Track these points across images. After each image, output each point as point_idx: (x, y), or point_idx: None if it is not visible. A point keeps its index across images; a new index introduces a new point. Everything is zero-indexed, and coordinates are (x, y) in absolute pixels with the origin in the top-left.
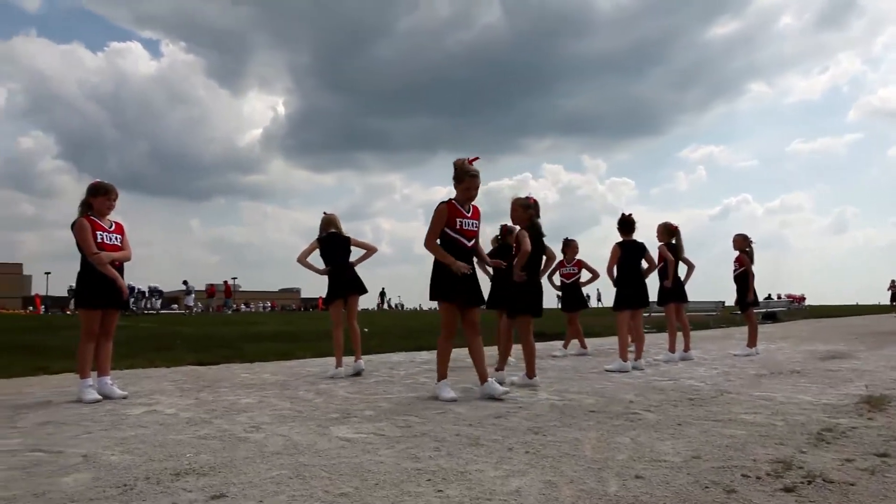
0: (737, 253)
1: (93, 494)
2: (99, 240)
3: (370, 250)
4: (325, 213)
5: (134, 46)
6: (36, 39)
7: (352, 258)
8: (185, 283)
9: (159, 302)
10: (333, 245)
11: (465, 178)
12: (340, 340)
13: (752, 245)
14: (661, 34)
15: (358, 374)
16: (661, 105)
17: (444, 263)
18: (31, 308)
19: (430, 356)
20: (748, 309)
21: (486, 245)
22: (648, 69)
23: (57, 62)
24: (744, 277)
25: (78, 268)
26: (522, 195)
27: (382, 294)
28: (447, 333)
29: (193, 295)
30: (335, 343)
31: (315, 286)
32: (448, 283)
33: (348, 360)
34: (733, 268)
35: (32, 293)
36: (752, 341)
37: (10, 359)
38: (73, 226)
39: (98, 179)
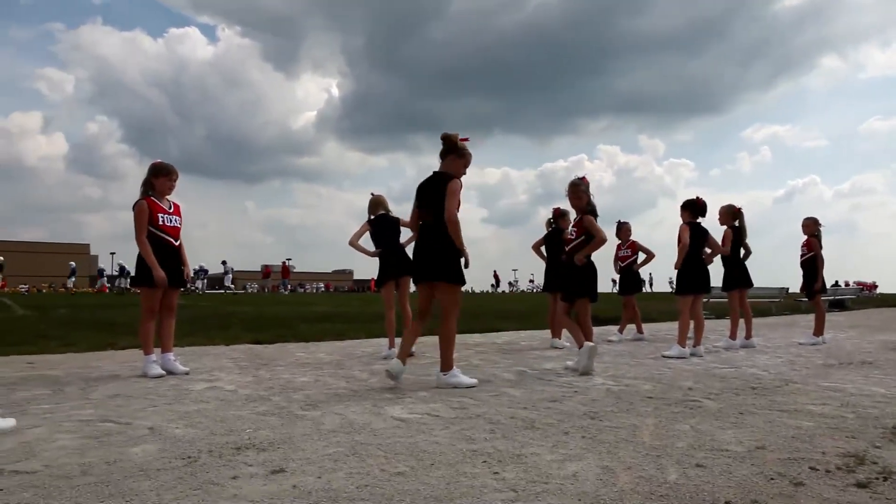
0: (805, 237)
1: (159, 465)
2: (160, 222)
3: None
4: (372, 193)
5: (192, 32)
6: (101, 27)
7: (402, 239)
8: (223, 263)
9: (204, 282)
10: (384, 226)
11: (466, 156)
12: (393, 322)
13: (822, 229)
14: (722, 8)
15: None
16: (723, 83)
17: (457, 244)
18: (96, 286)
19: (483, 339)
20: (816, 296)
21: (539, 228)
22: (709, 45)
23: (120, 49)
24: (812, 263)
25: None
26: (578, 176)
27: None
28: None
29: (231, 275)
30: (387, 325)
31: (367, 268)
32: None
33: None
34: (801, 252)
35: (97, 274)
36: (818, 329)
37: (80, 334)
38: (133, 206)
39: (159, 160)
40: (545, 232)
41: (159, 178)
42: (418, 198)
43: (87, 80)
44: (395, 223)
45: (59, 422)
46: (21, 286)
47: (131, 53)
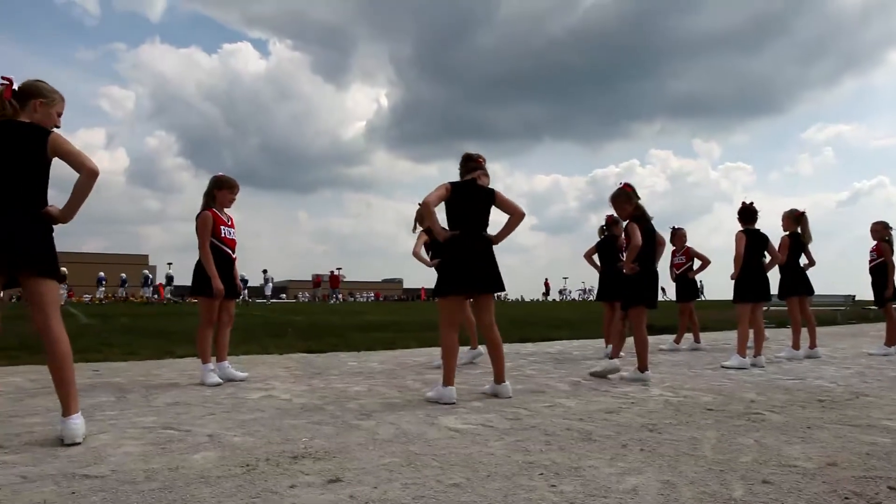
0: (875, 242)
1: (220, 472)
2: (223, 234)
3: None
4: (420, 204)
5: (244, 46)
6: (159, 45)
7: None
8: (264, 272)
9: (245, 293)
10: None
11: (478, 170)
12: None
13: (893, 233)
14: (782, 4)
15: (471, 362)
16: (783, 82)
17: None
18: (156, 296)
19: (536, 348)
20: (886, 304)
21: (590, 235)
22: (768, 43)
23: (176, 65)
24: (882, 268)
25: (197, 257)
26: (619, 184)
27: None
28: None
29: (271, 284)
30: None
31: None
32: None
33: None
34: (870, 258)
35: (157, 282)
36: (890, 339)
37: (140, 343)
38: (197, 217)
39: (221, 173)
40: (598, 240)
41: (221, 191)
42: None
43: (147, 97)
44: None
45: (124, 428)
46: (85, 296)
47: (187, 69)
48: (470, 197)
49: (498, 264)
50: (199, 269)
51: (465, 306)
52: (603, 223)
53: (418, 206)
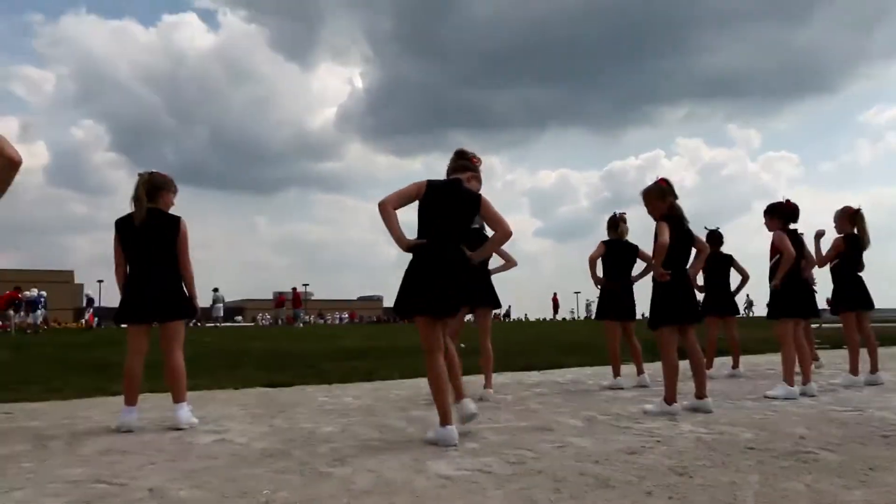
0: None
1: None
2: None
3: (510, 263)
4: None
5: (189, 18)
6: (85, 17)
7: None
8: (214, 290)
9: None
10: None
11: (469, 171)
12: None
13: None
14: None
15: (482, 399)
16: (836, 56)
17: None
18: (83, 321)
19: (542, 377)
20: None
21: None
22: (817, 9)
23: (106, 41)
24: None
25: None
26: (651, 179)
27: None
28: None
29: (221, 305)
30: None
31: None
32: None
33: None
34: None
35: (84, 304)
36: None
37: (65, 379)
38: (180, 223)
39: (155, 170)
40: (607, 238)
41: (168, 193)
42: None
43: (70, 79)
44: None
45: (44, 483)
46: None
47: (120, 46)
48: (449, 200)
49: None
50: (180, 288)
51: (435, 327)
52: (615, 213)
53: None
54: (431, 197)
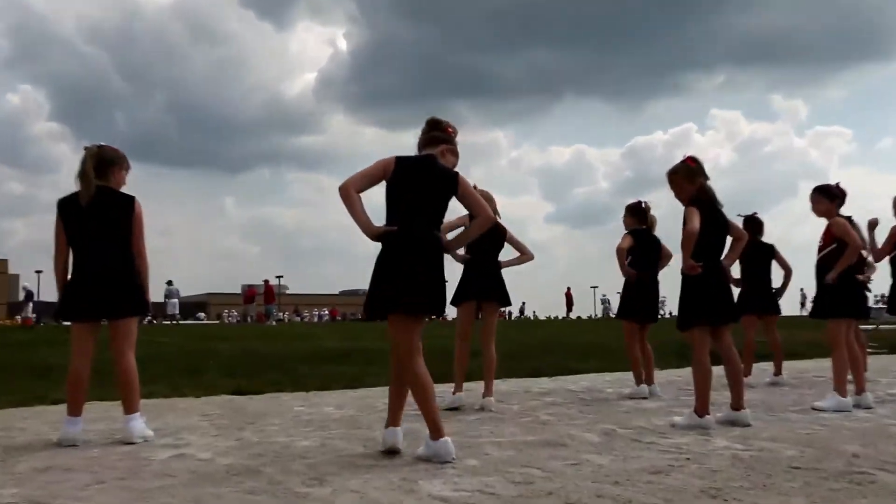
0: None
1: None
2: None
3: (526, 256)
4: (475, 187)
5: None
6: None
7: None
8: (168, 283)
9: None
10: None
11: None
12: (465, 358)
13: None
14: None
15: (482, 409)
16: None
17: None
18: (18, 317)
19: (553, 384)
20: None
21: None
22: None
23: None
24: None
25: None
26: (680, 157)
27: None
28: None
29: (177, 300)
30: (457, 359)
31: None
32: None
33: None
34: None
35: (22, 298)
36: None
37: None
38: (134, 204)
39: (104, 143)
40: (635, 228)
41: (120, 170)
42: None
43: (4, 36)
44: (501, 233)
45: None
46: None
47: None
48: (422, 179)
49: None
50: (132, 279)
51: (413, 327)
52: (640, 202)
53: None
54: (401, 175)
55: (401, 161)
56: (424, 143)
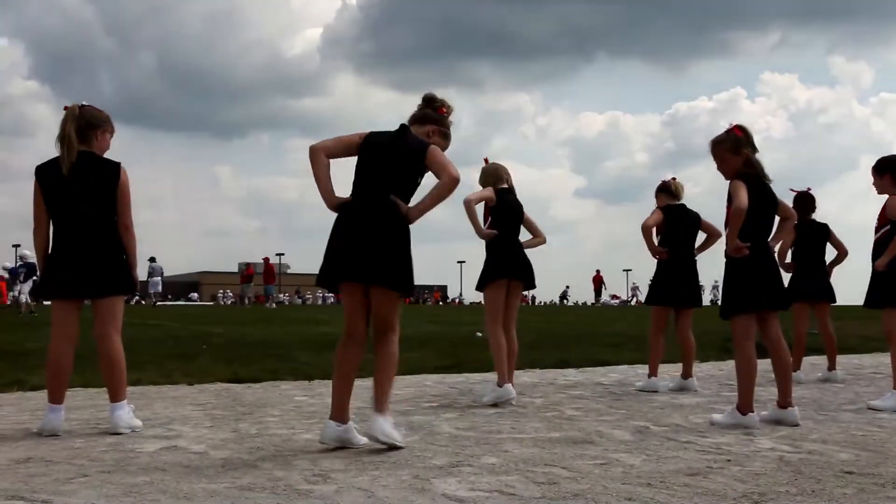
0: None
1: None
2: None
3: (539, 238)
4: (486, 160)
5: None
6: None
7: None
8: (151, 260)
9: None
10: (508, 208)
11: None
12: (502, 343)
13: None
14: None
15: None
16: None
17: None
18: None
19: (581, 376)
20: None
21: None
22: None
23: None
24: None
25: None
26: (731, 125)
27: None
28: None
29: (160, 279)
30: (494, 347)
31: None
32: None
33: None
34: None
35: None
36: None
37: None
38: (119, 171)
39: (87, 103)
40: (668, 204)
41: (103, 132)
42: None
43: None
44: (520, 211)
45: None
46: None
47: None
48: (388, 154)
49: (401, 244)
50: (117, 254)
51: (360, 305)
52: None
53: (485, 163)
54: (367, 152)
55: (368, 138)
56: (414, 119)
